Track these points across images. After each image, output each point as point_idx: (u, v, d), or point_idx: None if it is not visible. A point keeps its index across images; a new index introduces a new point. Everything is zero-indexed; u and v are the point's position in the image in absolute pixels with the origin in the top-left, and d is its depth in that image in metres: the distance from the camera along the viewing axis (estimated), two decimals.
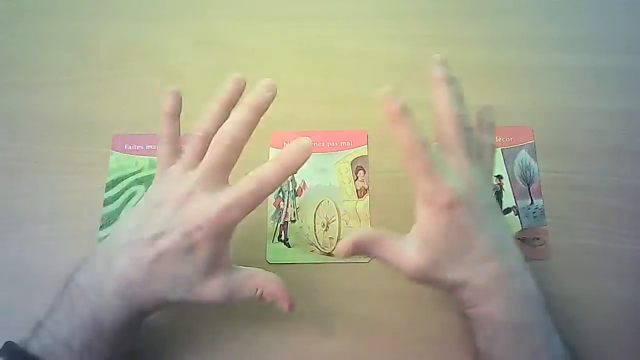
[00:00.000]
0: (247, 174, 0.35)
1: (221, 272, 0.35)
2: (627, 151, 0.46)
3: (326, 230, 0.44)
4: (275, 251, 0.43)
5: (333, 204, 0.45)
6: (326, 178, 0.46)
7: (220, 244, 0.35)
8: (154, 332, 0.40)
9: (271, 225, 0.44)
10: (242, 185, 0.34)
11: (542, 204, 0.44)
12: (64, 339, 0.32)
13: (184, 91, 0.50)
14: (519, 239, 0.43)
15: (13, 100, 0.50)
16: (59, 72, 0.51)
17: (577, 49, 0.51)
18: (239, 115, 0.36)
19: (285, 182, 0.45)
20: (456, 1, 0.54)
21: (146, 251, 0.34)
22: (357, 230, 0.37)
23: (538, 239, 0.43)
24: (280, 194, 0.45)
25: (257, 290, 0.36)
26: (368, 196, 0.45)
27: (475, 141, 0.38)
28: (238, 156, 0.36)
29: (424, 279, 0.35)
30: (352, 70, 0.51)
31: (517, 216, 0.44)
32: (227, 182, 0.36)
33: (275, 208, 0.45)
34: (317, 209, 0.45)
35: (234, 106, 0.38)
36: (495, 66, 0.50)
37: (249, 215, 0.44)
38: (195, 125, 0.37)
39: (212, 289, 0.35)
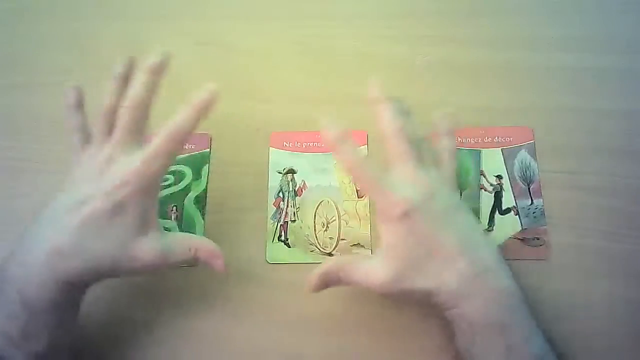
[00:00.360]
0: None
1: (152, 232, 0.35)
2: (627, 151, 0.46)
3: (326, 230, 0.44)
4: (275, 251, 0.43)
5: (333, 204, 0.45)
6: (326, 178, 0.46)
7: (147, 199, 0.35)
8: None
9: (271, 225, 0.44)
10: (158, 135, 0.35)
11: (542, 204, 0.44)
12: (4, 331, 0.32)
13: (184, 91, 0.50)
14: (518, 239, 0.43)
15: (13, 100, 0.50)
16: (59, 72, 0.51)
17: (577, 49, 0.51)
18: (137, 80, 0.38)
19: (285, 182, 0.45)
20: (456, 1, 0.54)
21: (72, 218, 0.34)
22: (322, 264, 0.37)
23: (538, 239, 0.43)
24: (280, 194, 0.45)
25: (190, 249, 0.36)
26: (368, 196, 0.45)
27: (428, 150, 0.39)
28: (146, 116, 0.37)
29: (394, 292, 0.35)
30: (352, 70, 0.51)
31: (517, 216, 0.44)
32: (142, 146, 0.36)
33: (275, 208, 0.45)
34: (317, 209, 0.45)
35: (129, 81, 0.38)
36: (495, 66, 0.51)
37: (248, 215, 0.44)
38: (101, 108, 0.38)
39: (146, 249, 0.35)
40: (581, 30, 0.52)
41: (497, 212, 0.44)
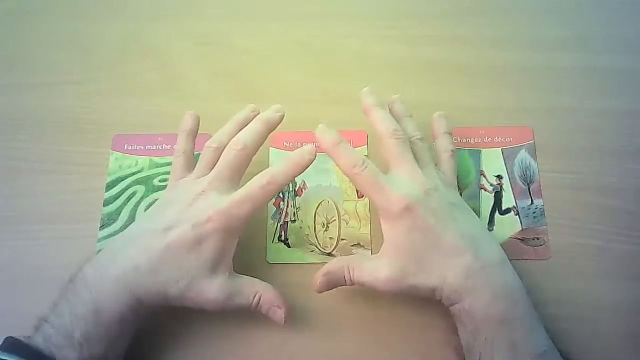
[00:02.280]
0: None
1: (223, 272, 0.36)
2: (627, 151, 0.46)
3: (326, 230, 0.44)
4: (275, 251, 0.43)
5: (333, 204, 0.45)
6: (326, 178, 0.46)
7: (228, 240, 0.36)
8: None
9: (271, 225, 0.44)
10: (253, 181, 0.37)
11: (542, 204, 0.44)
12: (66, 330, 0.33)
13: (184, 91, 0.50)
14: (518, 239, 0.43)
15: (13, 100, 0.50)
16: (59, 72, 0.51)
17: (577, 49, 0.51)
18: (251, 125, 0.40)
19: None
20: (456, 1, 0.54)
21: (156, 241, 0.35)
22: (326, 264, 0.38)
23: (538, 239, 0.43)
24: (281, 194, 0.45)
25: (255, 295, 0.36)
26: (367, 197, 0.45)
27: (426, 151, 0.40)
28: (248, 162, 0.39)
29: (399, 289, 0.35)
30: (352, 70, 0.51)
31: (517, 216, 0.44)
32: (238, 187, 0.38)
33: (275, 208, 0.45)
34: (317, 209, 0.45)
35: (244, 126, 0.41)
36: (495, 66, 0.51)
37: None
38: (210, 140, 0.41)
39: (213, 287, 0.35)
40: (581, 30, 0.52)
41: (497, 212, 0.44)
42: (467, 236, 0.35)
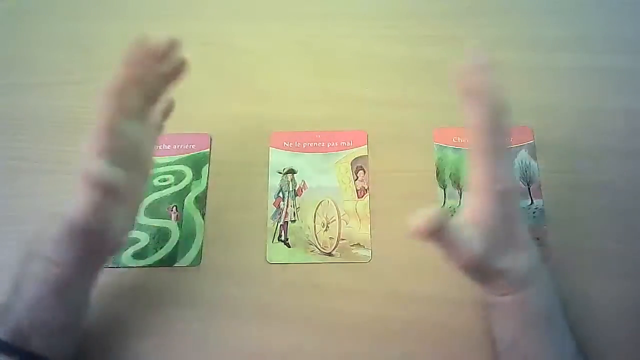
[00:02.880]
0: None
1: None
2: (627, 151, 0.46)
3: (326, 230, 0.44)
4: (275, 251, 0.43)
5: (333, 204, 0.45)
6: (326, 178, 0.46)
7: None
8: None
9: (271, 225, 0.44)
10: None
11: (542, 204, 0.44)
12: (18, 298, 0.33)
13: (184, 91, 0.50)
14: None
15: (13, 100, 0.50)
16: (59, 72, 0.51)
17: (577, 49, 0.51)
18: None
19: (285, 182, 0.45)
20: (456, 1, 0.54)
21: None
22: (425, 210, 0.32)
23: (538, 239, 0.43)
24: (280, 194, 0.45)
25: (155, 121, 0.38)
26: (368, 196, 0.45)
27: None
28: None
29: (477, 267, 0.34)
30: (352, 70, 0.51)
31: None
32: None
33: (275, 208, 0.45)
34: (317, 209, 0.45)
35: None
36: (496, 66, 0.50)
37: (248, 215, 0.44)
38: None
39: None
40: (581, 30, 0.52)
41: None
42: (528, 233, 0.36)
